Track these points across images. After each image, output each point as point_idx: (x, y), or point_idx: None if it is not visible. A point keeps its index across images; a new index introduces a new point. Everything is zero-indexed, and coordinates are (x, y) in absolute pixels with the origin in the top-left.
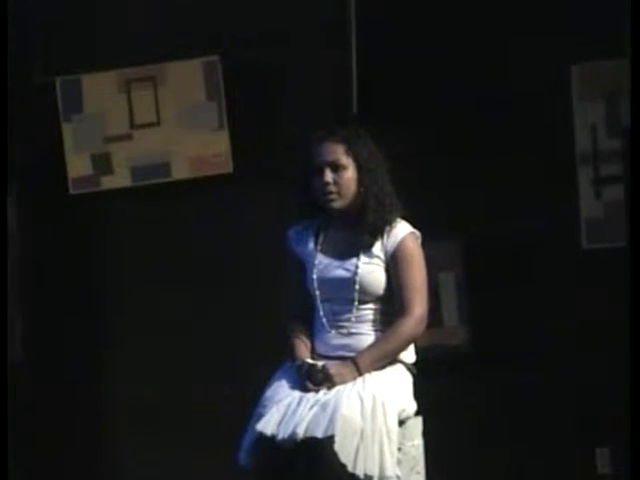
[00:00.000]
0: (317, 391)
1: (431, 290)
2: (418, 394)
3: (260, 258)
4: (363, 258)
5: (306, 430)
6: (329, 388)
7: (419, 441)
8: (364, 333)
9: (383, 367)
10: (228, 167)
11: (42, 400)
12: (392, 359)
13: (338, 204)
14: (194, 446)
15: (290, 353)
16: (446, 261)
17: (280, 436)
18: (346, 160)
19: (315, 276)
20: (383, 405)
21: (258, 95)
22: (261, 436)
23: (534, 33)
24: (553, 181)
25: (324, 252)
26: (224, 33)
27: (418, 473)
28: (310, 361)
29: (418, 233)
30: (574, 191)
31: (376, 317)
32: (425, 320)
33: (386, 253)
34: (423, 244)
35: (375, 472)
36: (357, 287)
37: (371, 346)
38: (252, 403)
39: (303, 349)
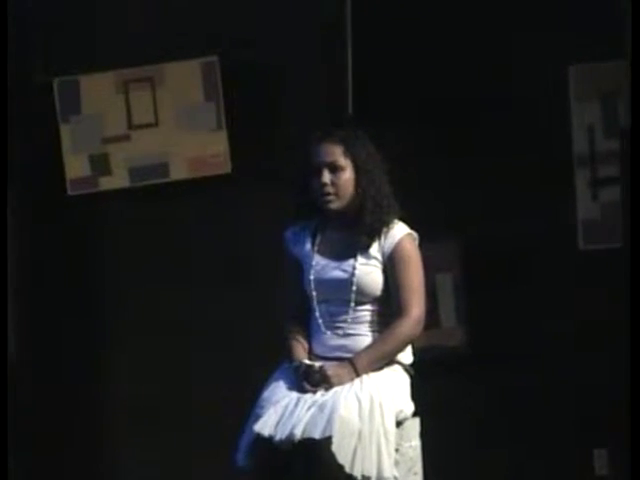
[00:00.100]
0: (314, 392)
1: (428, 291)
2: (416, 395)
3: (259, 258)
4: (360, 259)
5: (304, 431)
6: (326, 389)
7: (417, 442)
8: (361, 334)
9: (380, 368)
10: (226, 168)
11: (42, 400)
12: (389, 360)
13: (336, 205)
14: (194, 446)
15: (287, 354)
16: (443, 262)
17: (277, 437)
18: (344, 161)
19: (312, 277)
20: (381, 406)
21: (257, 96)
22: (258, 437)
23: (532, 34)
24: (550, 182)
25: (321, 253)
26: (222, 34)
27: (416, 474)
28: (307, 362)
29: (415, 234)
30: (571, 192)
31: (373, 318)
32: (423, 321)
33: (383, 254)
34: (420, 245)
35: (373, 473)
36: (354, 288)
37: (368, 347)
38: (251, 404)
39: (300, 350)
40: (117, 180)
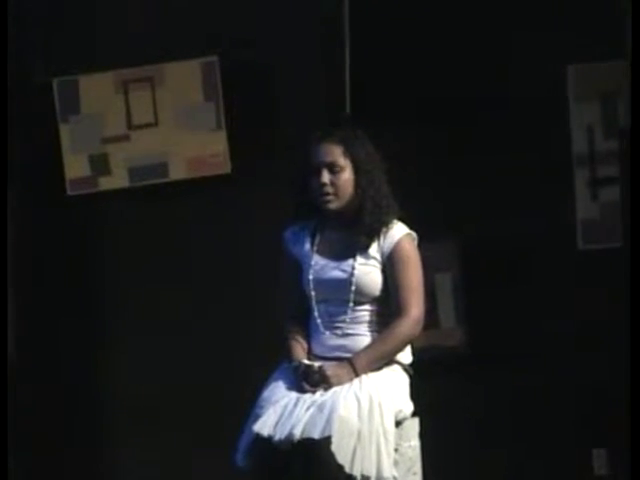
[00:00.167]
0: (314, 392)
1: (428, 291)
2: (415, 395)
3: (258, 258)
4: (359, 259)
5: (303, 431)
6: (326, 389)
7: (416, 442)
8: (360, 334)
9: (380, 368)
10: (226, 168)
11: (42, 400)
12: (389, 360)
13: (335, 205)
14: (194, 446)
15: (287, 354)
16: (442, 262)
17: (277, 437)
18: (344, 161)
19: (311, 277)
20: (380, 406)
21: (256, 96)
22: (258, 437)
23: (531, 33)
24: (550, 182)
25: (320, 253)
26: (222, 34)
27: (415, 474)
28: (307, 362)
29: (414, 234)
30: (570, 192)
31: (372, 318)
32: (422, 321)
33: (382, 254)
34: (419, 245)
35: (372, 473)
36: (353, 288)
37: (368, 347)
38: (251, 404)
39: (299, 350)
40: (117, 180)
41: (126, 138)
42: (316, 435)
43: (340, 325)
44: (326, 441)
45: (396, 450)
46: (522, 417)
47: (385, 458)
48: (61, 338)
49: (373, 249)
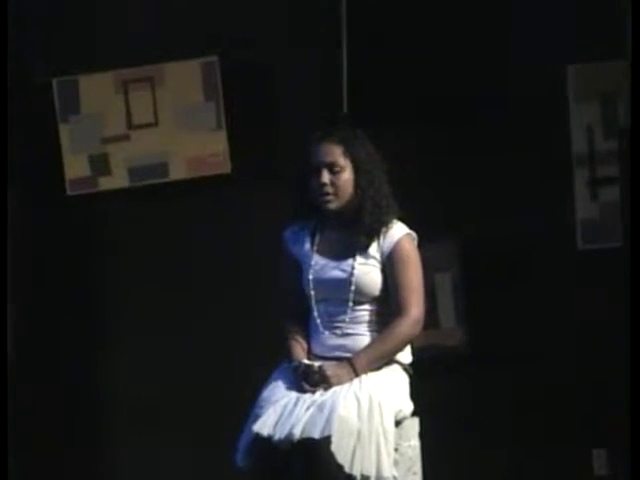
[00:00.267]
0: (313, 392)
1: (427, 291)
2: (415, 395)
3: (258, 258)
4: (359, 259)
5: (303, 431)
6: (325, 389)
7: (416, 442)
8: (359, 334)
9: (379, 368)
10: (226, 167)
11: (42, 400)
12: (388, 360)
13: (334, 205)
14: (194, 446)
15: (286, 354)
16: (442, 262)
17: (277, 437)
18: (344, 161)
19: (311, 277)
20: (380, 406)
21: (256, 95)
22: (258, 437)
23: (531, 33)
24: (549, 182)
25: (320, 253)
26: (222, 34)
27: (415, 474)
28: (306, 362)
29: (414, 234)
30: (570, 192)
31: (371, 318)
32: (422, 321)
33: (382, 254)
34: (419, 245)
35: (372, 472)
36: (353, 288)
37: (367, 347)
38: (251, 404)
39: (299, 350)
40: (117, 180)
41: (126, 138)
42: (316, 435)
43: (340, 325)
44: (326, 441)
45: (396, 450)
46: (522, 417)
47: (385, 458)
48: (61, 338)
49: (373, 249)
